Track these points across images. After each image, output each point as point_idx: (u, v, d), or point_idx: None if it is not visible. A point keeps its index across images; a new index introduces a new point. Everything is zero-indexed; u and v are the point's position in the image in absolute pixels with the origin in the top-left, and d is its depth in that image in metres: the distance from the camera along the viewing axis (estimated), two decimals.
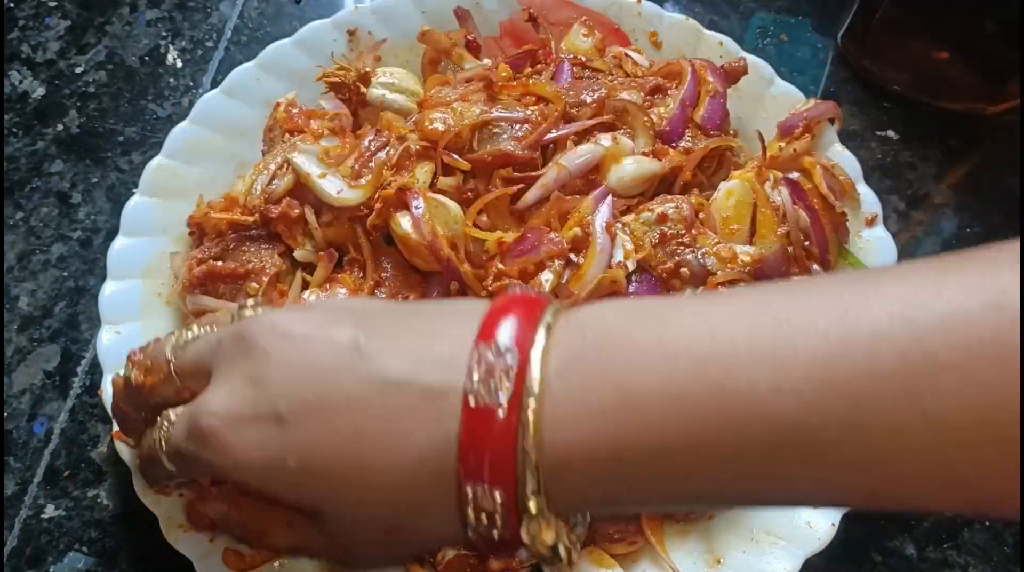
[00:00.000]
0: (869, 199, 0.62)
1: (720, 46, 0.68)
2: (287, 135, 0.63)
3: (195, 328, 0.44)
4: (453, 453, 0.35)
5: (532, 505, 0.34)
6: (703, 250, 0.55)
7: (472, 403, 0.34)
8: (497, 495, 0.34)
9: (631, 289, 0.55)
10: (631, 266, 0.54)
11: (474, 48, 0.69)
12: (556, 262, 0.54)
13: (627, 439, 0.33)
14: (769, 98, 0.67)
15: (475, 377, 0.35)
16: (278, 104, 0.65)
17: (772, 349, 0.32)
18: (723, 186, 0.58)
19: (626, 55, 0.66)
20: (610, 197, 0.56)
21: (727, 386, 0.31)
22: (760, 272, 0.55)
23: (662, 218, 0.55)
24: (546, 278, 0.54)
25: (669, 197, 0.57)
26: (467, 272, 0.55)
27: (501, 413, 0.34)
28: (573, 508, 0.37)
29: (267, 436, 0.37)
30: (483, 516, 0.35)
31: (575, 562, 0.37)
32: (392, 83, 0.65)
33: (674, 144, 0.60)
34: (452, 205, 0.57)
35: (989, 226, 0.70)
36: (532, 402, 0.34)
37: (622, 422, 0.33)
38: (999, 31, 0.67)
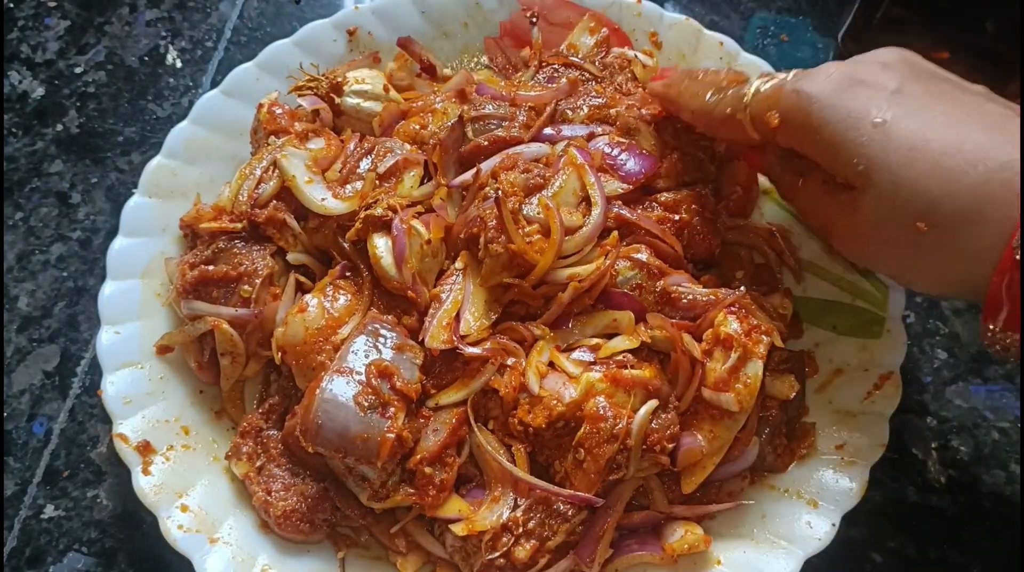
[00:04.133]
0: None
1: (720, 46, 0.68)
2: (271, 137, 0.63)
3: None
4: None
5: None
6: None
7: None
8: None
9: None
10: None
11: (430, 70, 0.69)
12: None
13: None
14: None
15: None
16: (261, 105, 0.65)
17: None
18: None
19: (636, 57, 0.66)
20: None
21: None
22: None
23: None
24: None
25: None
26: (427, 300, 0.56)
27: None
28: None
29: (872, 95, 0.43)
30: None
31: None
32: (366, 91, 0.65)
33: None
34: (430, 235, 0.56)
35: None
36: None
37: None
38: (999, 31, 0.67)
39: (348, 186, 0.59)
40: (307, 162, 0.60)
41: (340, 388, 0.52)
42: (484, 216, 0.55)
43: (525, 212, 0.55)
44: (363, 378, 0.53)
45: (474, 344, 0.54)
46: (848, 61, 0.47)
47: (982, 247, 0.40)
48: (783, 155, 0.51)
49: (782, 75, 0.48)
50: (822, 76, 0.45)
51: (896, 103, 0.42)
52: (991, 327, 0.41)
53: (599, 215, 0.55)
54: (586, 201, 0.57)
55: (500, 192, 0.54)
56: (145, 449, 0.56)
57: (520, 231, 0.54)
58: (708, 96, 0.53)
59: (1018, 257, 0.38)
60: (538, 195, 0.56)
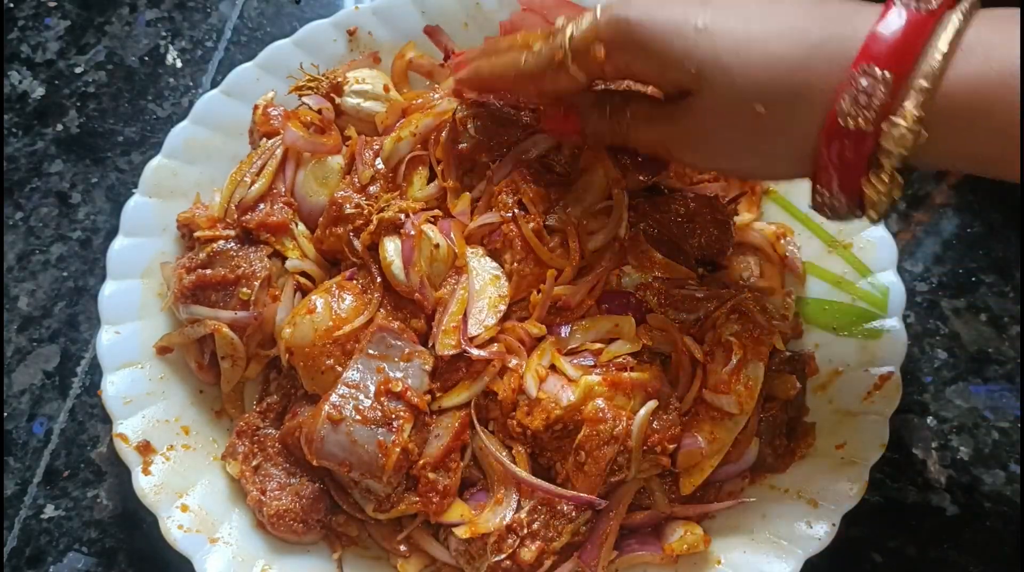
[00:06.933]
0: None
1: None
2: (263, 139, 0.62)
3: None
4: (857, 42, 0.41)
5: (920, 91, 0.40)
6: None
7: (900, 2, 0.41)
8: (888, 75, 0.40)
9: None
10: None
11: None
12: None
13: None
14: None
15: None
16: (256, 107, 0.64)
17: None
18: None
19: None
20: None
21: None
22: None
23: None
24: None
25: None
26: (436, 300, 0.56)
27: (926, 13, 0.40)
28: (930, 142, 0.41)
29: (687, 4, 0.45)
30: (860, 98, 0.41)
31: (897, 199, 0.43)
32: (367, 91, 0.65)
33: None
34: (440, 240, 0.56)
35: (989, 226, 0.70)
36: (957, 17, 0.40)
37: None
38: None
39: (372, 187, 0.59)
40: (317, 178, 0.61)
41: (347, 402, 0.52)
42: (508, 234, 0.55)
43: (547, 223, 0.55)
44: (370, 391, 0.52)
45: (481, 346, 0.54)
46: None
47: (812, 121, 0.43)
48: (598, 100, 0.52)
49: (590, 12, 0.48)
50: (632, 1, 0.46)
51: (710, 5, 0.44)
52: (824, 193, 0.45)
53: (613, 226, 0.55)
54: (605, 210, 0.57)
55: (516, 212, 0.55)
56: (145, 449, 0.56)
57: (545, 247, 0.55)
58: (522, 60, 0.52)
59: (840, 123, 0.41)
60: (558, 210, 0.56)
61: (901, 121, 0.40)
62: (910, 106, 0.40)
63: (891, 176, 0.42)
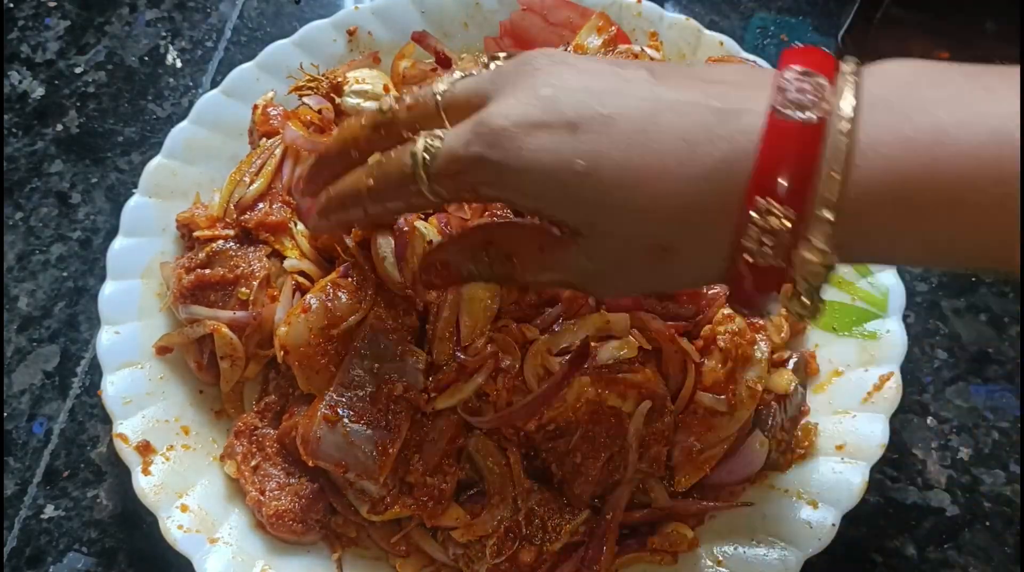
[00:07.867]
0: None
1: (720, 46, 0.68)
2: (262, 139, 0.62)
3: (458, 72, 0.43)
4: (745, 169, 0.35)
5: (823, 222, 0.34)
6: None
7: (778, 116, 0.34)
8: (788, 213, 0.34)
9: None
10: None
11: (445, 63, 0.69)
12: None
13: (936, 171, 0.32)
14: None
15: (783, 92, 0.35)
16: (256, 107, 0.64)
17: None
18: None
19: (643, 51, 0.66)
20: None
21: None
22: None
23: None
24: None
25: None
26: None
27: (809, 128, 0.34)
28: (850, 251, 0.36)
29: (559, 140, 0.37)
30: (764, 238, 0.35)
31: (821, 313, 0.37)
32: (367, 91, 0.65)
33: None
34: (433, 236, 0.56)
35: None
36: (844, 123, 0.34)
37: (933, 154, 0.32)
38: (999, 31, 0.67)
39: None
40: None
41: (342, 402, 0.52)
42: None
43: None
44: (366, 391, 0.52)
45: (475, 350, 0.54)
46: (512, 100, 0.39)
47: (720, 254, 0.37)
48: (472, 254, 0.45)
49: (436, 137, 0.41)
50: (508, 136, 0.38)
51: (580, 130, 0.37)
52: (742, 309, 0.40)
53: None
54: None
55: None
56: (145, 449, 0.56)
57: None
58: (366, 179, 0.44)
59: (749, 259, 0.36)
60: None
61: (811, 256, 0.35)
62: (818, 242, 0.34)
63: (812, 298, 0.36)
